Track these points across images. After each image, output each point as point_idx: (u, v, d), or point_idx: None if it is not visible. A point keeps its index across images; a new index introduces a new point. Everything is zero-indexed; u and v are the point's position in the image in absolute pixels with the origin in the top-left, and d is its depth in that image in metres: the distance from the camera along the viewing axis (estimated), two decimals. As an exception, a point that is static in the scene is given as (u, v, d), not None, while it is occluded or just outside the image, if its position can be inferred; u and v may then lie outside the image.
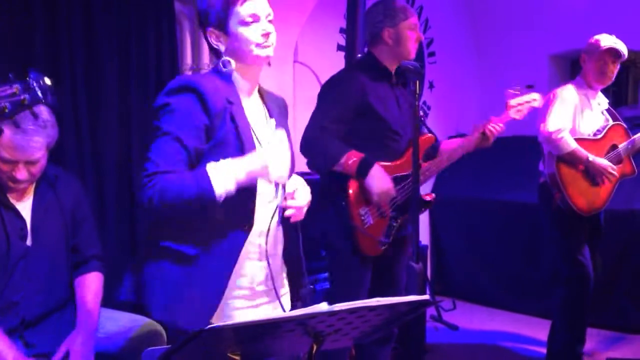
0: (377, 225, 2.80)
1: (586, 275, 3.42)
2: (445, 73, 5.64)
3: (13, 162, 2.19)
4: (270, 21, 1.89)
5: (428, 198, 2.95)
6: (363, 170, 2.70)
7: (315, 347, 1.50)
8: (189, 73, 3.94)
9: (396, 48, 2.88)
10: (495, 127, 3.02)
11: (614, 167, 3.41)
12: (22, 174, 2.21)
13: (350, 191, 2.73)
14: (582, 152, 3.34)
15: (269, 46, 1.89)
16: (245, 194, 1.84)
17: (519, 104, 3.06)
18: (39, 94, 1.43)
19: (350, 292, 2.77)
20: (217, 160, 1.78)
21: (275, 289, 1.96)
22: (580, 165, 3.38)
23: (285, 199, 1.93)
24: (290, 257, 2.09)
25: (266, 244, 1.93)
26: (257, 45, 1.87)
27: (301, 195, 1.96)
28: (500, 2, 5.76)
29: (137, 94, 3.54)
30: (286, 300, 2.08)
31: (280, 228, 2.02)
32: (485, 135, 3.03)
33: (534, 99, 3.07)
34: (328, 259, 3.07)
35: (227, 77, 1.91)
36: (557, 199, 3.41)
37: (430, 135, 3.00)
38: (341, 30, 4.74)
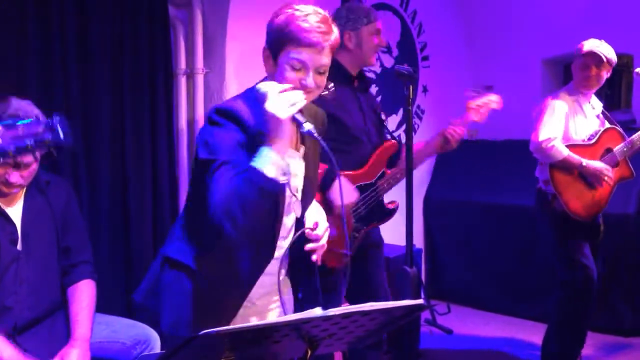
0: (339, 237, 2.65)
1: (590, 278, 3.40)
2: (439, 77, 5.64)
3: (5, 164, 2.18)
4: (321, 74, 1.79)
5: (391, 206, 2.91)
6: (326, 182, 2.62)
7: (309, 352, 1.50)
8: (183, 78, 3.96)
9: (357, 53, 2.82)
10: (456, 131, 2.93)
11: (609, 167, 3.41)
12: (14, 177, 2.21)
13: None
14: (575, 157, 3.34)
15: (306, 94, 1.76)
16: (271, 230, 1.83)
17: (478, 106, 3.01)
18: (61, 136, 1.43)
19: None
20: None
21: (282, 302, 1.98)
22: (574, 171, 3.38)
23: (306, 233, 1.90)
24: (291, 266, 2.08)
25: (278, 272, 1.93)
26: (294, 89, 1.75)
27: (322, 229, 1.92)
28: (493, 6, 5.78)
29: (130, 98, 3.54)
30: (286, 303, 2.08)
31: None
32: (447, 139, 2.92)
33: (493, 100, 3.03)
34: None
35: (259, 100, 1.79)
36: (554, 204, 3.41)
37: (394, 141, 2.93)
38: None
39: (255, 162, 1.66)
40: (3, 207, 2.29)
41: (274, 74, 1.81)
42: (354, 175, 2.79)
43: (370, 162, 2.83)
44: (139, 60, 3.57)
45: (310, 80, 1.77)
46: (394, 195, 2.94)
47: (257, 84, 1.86)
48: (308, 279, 2.39)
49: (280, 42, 1.77)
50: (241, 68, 3.98)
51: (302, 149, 1.93)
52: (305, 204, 1.95)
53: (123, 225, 3.54)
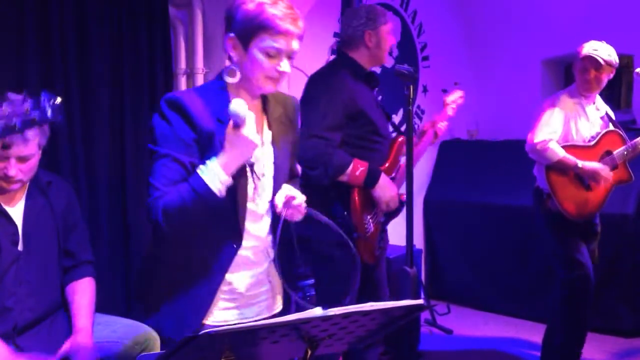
0: (375, 233, 2.81)
1: (586, 275, 3.40)
2: (439, 77, 5.64)
3: (4, 157, 2.18)
4: (290, 59, 1.83)
5: (403, 198, 2.92)
6: (371, 180, 2.72)
7: (309, 352, 1.50)
8: (183, 77, 3.97)
9: (375, 51, 2.91)
10: (443, 126, 3.25)
11: (606, 167, 3.40)
12: (13, 170, 2.19)
13: (356, 199, 2.73)
14: (570, 159, 3.34)
15: (277, 82, 1.84)
16: (234, 211, 1.85)
17: (452, 101, 3.35)
18: (48, 113, 1.43)
19: (339, 297, 2.73)
20: None
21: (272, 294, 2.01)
22: (570, 172, 3.38)
23: (279, 206, 1.89)
24: (285, 262, 2.09)
25: (269, 254, 1.97)
26: (267, 77, 1.82)
27: (282, 198, 1.89)
28: (493, 6, 5.78)
29: (130, 99, 3.53)
30: (276, 300, 2.10)
31: (258, 255, 1.99)
32: (437, 135, 3.22)
33: (459, 95, 3.39)
34: (317, 268, 2.96)
35: (222, 90, 1.86)
36: (549, 204, 3.41)
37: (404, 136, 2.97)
38: (335, 35, 4.75)
39: (202, 172, 1.72)
40: (4, 207, 2.29)
41: (242, 62, 1.82)
42: (383, 170, 2.86)
43: (391, 158, 2.92)
44: (139, 60, 3.57)
45: (285, 65, 1.81)
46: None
47: (218, 75, 1.89)
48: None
49: (252, 30, 1.77)
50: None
51: (270, 134, 1.95)
52: (276, 188, 1.94)
53: (122, 226, 3.53)
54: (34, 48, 3.15)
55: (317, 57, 4.66)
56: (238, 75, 1.84)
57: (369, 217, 2.77)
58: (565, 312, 3.48)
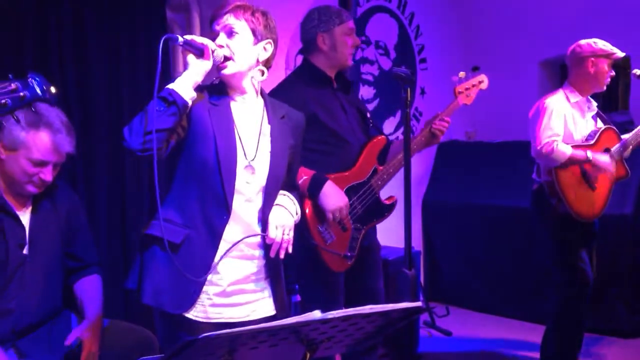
0: (340, 241, 2.71)
1: (586, 282, 3.40)
2: (437, 79, 5.65)
3: (44, 163, 2.23)
4: (232, 34, 2.03)
5: (389, 202, 2.89)
6: (314, 188, 2.63)
7: (308, 355, 1.50)
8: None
9: (332, 54, 2.81)
10: (443, 124, 2.92)
11: (612, 161, 3.40)
12: (49, 175, 2.26)
13: (307, 210, 2.64)
14: (579, 153, 3.32)
15: (224, 66, 2.01)
16: (223, 181, 1.98)
17: (467, 89, 3.04)
18: (38, 90, 1.47)
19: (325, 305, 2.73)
20: (196, 148, 1.97)
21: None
22: (577, 174, 3.37)
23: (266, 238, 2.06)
24: (272, 261, 2.14)
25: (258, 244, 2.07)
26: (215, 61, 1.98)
27: (274, 231, 2.05)
28: (490, 8, 5.79)
29: (128, 101, 3.54)
30: (266, 303, 2.13)
31: (251, 249, 2.09)
32: (433, 134, 2.91)
33: (481, 80, 3.10)
34: (298, 276, 2.97)
35: (220, 82, 2.10)
36: (557, 207, 3.39)
37: (382, 137, 2.91)
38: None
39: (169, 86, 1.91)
40: (14, 209, 2.29)
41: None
42: (345, 177, 2.77)
43: (360, 161, 2.81)
44: (137, 63, 3.57)
45: (222, 40, 2.01)
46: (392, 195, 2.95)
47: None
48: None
49: (210, 21, 2.08)
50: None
51: (268, 127, 2.11)
52: (270, 179, 2.07)
53: (121, 227, 3.54)
54: (30, 51, 3.16)
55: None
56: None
57: (325, 225, 2.67)
58: (561, 316, 3.49)
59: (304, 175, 2.62)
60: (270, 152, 2.09)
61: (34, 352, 2.28)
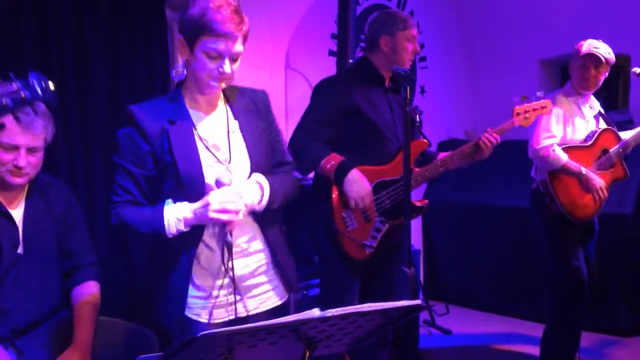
0: (361, 229, 2.81)
1: (581, 280, 3.41)
2: (437, 78, 5.66)
3: (15, 147, 2.19)
4: (235, 60, 1.94)
5: (420, 204, 2.93)
6: (340, 174, 2.74)
7: (308, 353, 1.50)
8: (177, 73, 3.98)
9: (391, 56, 2.92)
10: (490, 139, 2.89)
11: (605, 185, 3.39)
12: (23, 160, 2.21)
13: (334, 195, 2.77)
14: (574, 165, 3.33)
15: (222, 81, 1.95)
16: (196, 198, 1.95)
17: (526, 111, 3.01)
18: (39, 91, 1.47)
19: (339, 297, 2.79)
20: (171, 180, 1.96)
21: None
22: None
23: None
24: (276, 263, 2.14)
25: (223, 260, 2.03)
26: (210, 77, 1.94)
27: (217, 204, 1.93)
28: (490, 7, 5.79)
29: (127, 101, 3.53)
30: (253, 303, 2.13)
31: (251, 244, 2.09)
32: (479, 147, 2.90)
33: (543, 106, 3.07)
34: (319, 264, 3.09)
35: (176, 94, 2.04)
36: (551, 205, 3.41)
37: (424, 140, 2.95)
38: (332, 36, 4.75)
39: (166, 213, 1.92)
40: (6, 207, 2.29)
41: (190, 61, 1.95)
42: (377, 170, 2.85)
43: (397, 159, 2.88)
44: (137, 63, 3.57)
45: (227, 67, 1.92)
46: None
47: (177, 82, 2.05)
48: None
49: (195, 32, 1.89)
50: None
51: (236, 123, 2.07)
52: (257, 169, 2.05)
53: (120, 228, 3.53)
54: (30, 48, 3.16)
55: (314, 58, 4.67)
56: (183, 72, 2.01)
57: (349, 212, 2.78)
58: (558, 315, 3.50)
59: (332, 161, 2.74)
60: (246, 145, 2.06)
61: (33, 351, 2.27)
